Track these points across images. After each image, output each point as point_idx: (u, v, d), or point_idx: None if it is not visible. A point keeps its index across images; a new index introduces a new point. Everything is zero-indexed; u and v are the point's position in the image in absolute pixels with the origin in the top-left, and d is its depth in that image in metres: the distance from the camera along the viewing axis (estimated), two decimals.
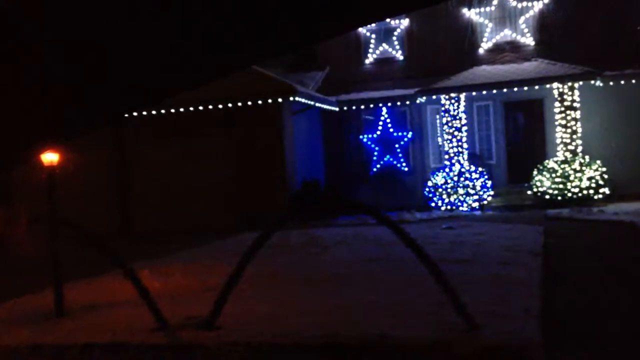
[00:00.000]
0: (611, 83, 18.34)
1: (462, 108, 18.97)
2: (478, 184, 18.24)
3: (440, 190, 18.50)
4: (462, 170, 18.51)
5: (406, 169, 20.63)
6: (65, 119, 2.71)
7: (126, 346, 6.35)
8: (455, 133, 18.88)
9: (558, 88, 18.30)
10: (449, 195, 18.38)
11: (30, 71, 2.49)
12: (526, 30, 20.57)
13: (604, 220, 14.23)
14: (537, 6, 20.39)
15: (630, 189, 17.98)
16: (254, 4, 2.30)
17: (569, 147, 18.14)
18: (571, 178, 17.49)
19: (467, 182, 18.26)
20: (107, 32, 2.37)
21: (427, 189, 18.89)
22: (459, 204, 18.30)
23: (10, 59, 2.43)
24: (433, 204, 18.67)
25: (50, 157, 7.85)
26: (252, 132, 17.85)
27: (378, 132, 20.78)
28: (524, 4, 20.47)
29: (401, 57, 21.57)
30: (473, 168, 18.63)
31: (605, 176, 17.58)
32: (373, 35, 21.65)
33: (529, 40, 20.56)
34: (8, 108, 2.58)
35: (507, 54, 20.14)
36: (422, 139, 20.60)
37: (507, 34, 20.79)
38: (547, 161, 18.35)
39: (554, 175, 17.69)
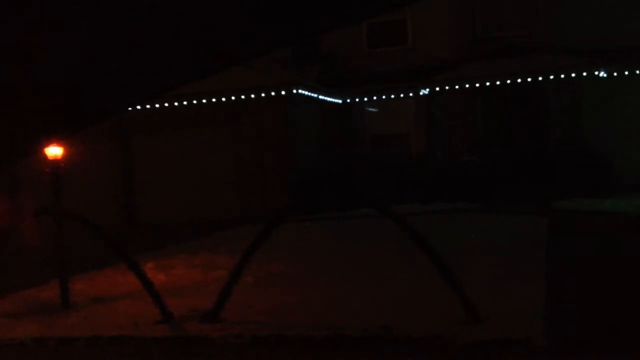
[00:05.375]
0: (615, 74, 18.27)
1: (465, 100, 18.91)
2: (481, 175, 18.21)
3: (442, 182, 18.47)
4: (465, 161, 18.48)
5: (409, 161, 20.60)
6: (68, 112, 2.72)
7: (131, 339, 6.39)
8: (459, 125, 18.84)
9: (564, 78, 18.24)
10: (452, 187, 18.35)
11: (32, 65, 2.49)
12: (531, 20, 20.45)
13: (609, 211, 14.24)
14: None
15: (637, 179, 17.86)
16: None
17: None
18: None
19: (470, 173, 18.23)
20: (112, 27, 2.38)
21: (430, 182, 18.85)
22: (462, 195, 18.26)
23: (12, 54, 2.44)
24: (436, 196, 18.62)
25: (54, 151, 7.88)
26: (255, 125, 17.85)
27: (382, 124, 20.74)
28: None
29: (404, 49, 21.48)
30: (476, 160, 18.59)
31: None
32: (376, 28, 21.57)
33: (534, 30, 20.40)
34: (10, 101, 2.59)
35: (512, 45, 20.01)
36: (424, 131, 20.56)
37: (512, 24, 20.66)
38: None
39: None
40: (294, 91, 17.44)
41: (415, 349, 5.61)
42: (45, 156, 7.89)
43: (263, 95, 17.47)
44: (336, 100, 20.27)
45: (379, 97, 20.39)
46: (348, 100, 20.43)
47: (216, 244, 12.62)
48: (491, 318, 5.98)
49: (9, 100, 2.51)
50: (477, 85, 18.85)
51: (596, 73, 18.13)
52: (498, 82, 18.66)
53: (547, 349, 5.35)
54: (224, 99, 17.64)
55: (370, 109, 21.01)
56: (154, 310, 6.79)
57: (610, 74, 18.36)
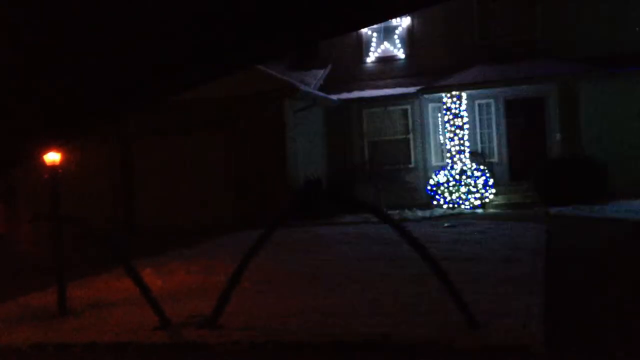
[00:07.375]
0: (613, 81, 18.29)
1: (463, 106, 18.94)
2: (480, 182, 18.22)
3: (442, 188, 18.49)
4: (464, 168, 18.49)
5: (408, 167, 20.63)
6: (68, 114, 2.72)
7: (129, 345, 6.37)
8: (457, 131, 18.85)
9: (561, 86, 18.25)
10: (450, 193, 18.37)
11: (32, 67, 2.49)
12: (529, 26, 20.48)
13: (605, 218, 14.25)
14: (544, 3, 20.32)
15: (631, 187, 17.88)
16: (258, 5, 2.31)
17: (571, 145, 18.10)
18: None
19: (468, 180, 18.25)
20: (105, 32, 2.38)
21: (429, 187, 18.88)
22: (461, 202, 18.28)
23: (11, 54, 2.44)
24: (435, 202, 18.64)
25: (52, 157, 7.88)
26: (254, 131, 17.86)
27: (380, 130, 20.76)
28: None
29: (403, 56, 21.52)
30: (474, 166, 18.62)
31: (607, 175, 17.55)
32: (374, 34, 21.63)
33: (532, 36, 20.42)
34: (9, 104, 2.59)
35: (511, 52, 20.03)
36: (423, 137, 20.57)
37: (511, 30, 20.67)
38: None
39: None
40: (294, 94, 17.45)
41: (414, 355, 5.60)
42: (43, 162, 7.90)
43: (262, 101, 17.48)
44: (335, 104, 20.29)
45: (378, 103, 20.42)
46: (348, 104, 20.46)
47: (215, 249, 12.61)
48: (489, 324, 5.98)
49: (8, 103, 2.51)
50: (475, 91, 18.87)
51: (594, 80, 18.16)
52: (496, 89, 18.68)
53: (545, 355, 5.35)
54: (223, 103, 17.65)
55: (369, 115, 21.02)
56: (152, 316, 6.78)
57: (607, 82, 18.38)
